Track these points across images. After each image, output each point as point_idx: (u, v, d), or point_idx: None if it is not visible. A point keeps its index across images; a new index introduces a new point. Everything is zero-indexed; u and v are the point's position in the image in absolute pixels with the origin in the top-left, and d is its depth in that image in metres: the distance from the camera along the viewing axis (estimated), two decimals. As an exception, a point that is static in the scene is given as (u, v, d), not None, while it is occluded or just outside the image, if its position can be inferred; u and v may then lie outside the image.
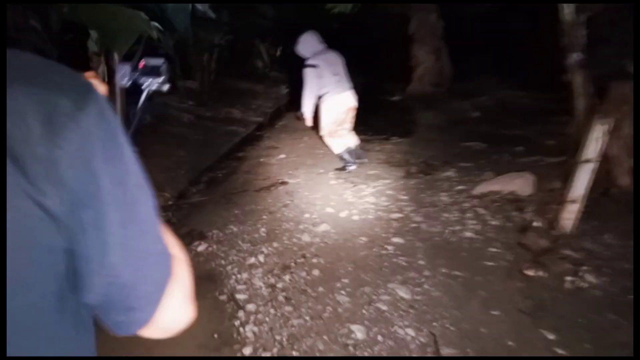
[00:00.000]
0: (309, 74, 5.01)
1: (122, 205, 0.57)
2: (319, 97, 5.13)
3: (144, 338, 0.68)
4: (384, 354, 2.57)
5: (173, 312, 0.65)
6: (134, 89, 1.10)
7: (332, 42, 5.40)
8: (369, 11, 9.04)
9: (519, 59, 10.54)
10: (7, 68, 0.50)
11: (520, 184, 4.25)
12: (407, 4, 9.74)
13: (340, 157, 5.52)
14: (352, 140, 5.54)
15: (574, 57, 4.57)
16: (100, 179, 0.54)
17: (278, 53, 12.29)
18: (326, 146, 6.45)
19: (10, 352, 0.50)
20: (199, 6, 6.43)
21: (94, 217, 0.54)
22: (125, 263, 0.58)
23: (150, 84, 1.02)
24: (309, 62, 5.04)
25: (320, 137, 5.68)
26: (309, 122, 5.31)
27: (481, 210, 4.10)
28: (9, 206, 0.48)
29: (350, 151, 5.50)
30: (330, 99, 5.11)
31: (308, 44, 5.14)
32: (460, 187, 4.59)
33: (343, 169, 5.51)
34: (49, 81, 0.52)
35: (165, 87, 1.04)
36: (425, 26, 9.85)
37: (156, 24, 4.18)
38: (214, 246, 3.76)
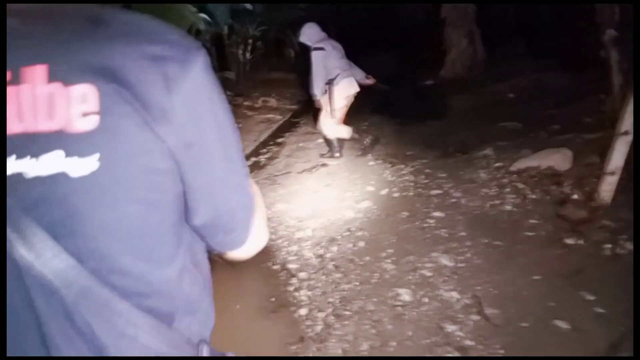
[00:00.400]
0: (318, 57, 5.09)
1: (223, 145, 0.67)
2: (330, 80, 5.19)
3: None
4: (431, 314, 2.76)
5: (257, 235, 0.77)
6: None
7: (362, 28, 5.48)
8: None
9: (553, 40, 10.44)
10: (122, 23, 0.60)
11: (557, 159, 4.34)
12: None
13: (332, 142, 5.55)
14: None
15: (610, 33, 4.61)
16: (205, 122, 0.64)
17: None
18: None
19: (131, 263, 0.61)
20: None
21: (203, 153, 0.64)
22: (227, 194, 0.69)
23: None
24: (317, 45, 5.14)
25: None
26: (319, 104, 5.41)
27: (520, 185, 4.22)
28: (142, 141, 0.57)
29: (357, 132, 5.62)
30: (342, 82, 5.21)
31: (310, 33, 5.25)
32: (498, 164, 4.72)
33: (364, 149, 5.63)
34: (161, 37, 0.61)
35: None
36: (457, 9, 9.84)
37: (204, 15, 4.42)
38: (266, 223, 3.99)
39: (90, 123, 0.55)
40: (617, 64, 4.66)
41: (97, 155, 0.55)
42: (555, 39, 10.34)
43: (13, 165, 0.54)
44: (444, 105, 7.58)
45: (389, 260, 3.33)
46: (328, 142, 5.65)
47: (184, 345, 0.66)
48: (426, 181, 4.66)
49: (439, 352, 2.45)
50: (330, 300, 2.93)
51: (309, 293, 3.01)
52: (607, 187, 3.69)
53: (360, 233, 3.75)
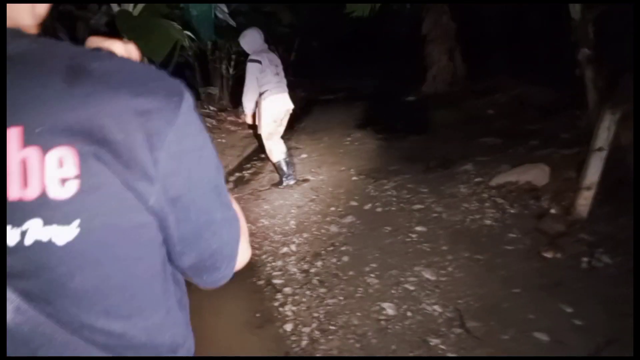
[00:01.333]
0: (252, 69, 4.90)
1: (210, 189, 0.65)
2: (260, 94, 5.00)
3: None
4: (414, 328, 2.80)
5: (242, 257, 0.76)
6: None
7: (347, 44, 5.60)
8: (384, 13, 9.30)
9: (533, 57, 10.70)
10: (102, 75, 0.57)
11: (536, 175, 4.45)
12: (420, 4, 9.97)
13: (279, 166, 5.33)
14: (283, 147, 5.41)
15: (584, 52, 4.78)
16: (192, 171, 0.62)
17: (292, 58, 12.58)
18: (346, 145, 6.71)
19: (132, 313, 0.62)
20: (219, 14, 6.71)
21: (190, 204, 0.62)
22: (211, 237, 0.67)
23: None
24: (252, 57, 4.96)
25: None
26: (249, 118, 5.23)
27: (499, 200, 4.32)
28: (121, 200, 0.56)
29: (288, 162, 5.37)
30: (270, 97, 5.00)
31: (252, 40, 5.06)
32: (478, 179, 4.81)
33: (280, 182, 5.32)
34: (143, 87, 0.58)
35: None
36: (438, 27, 10.06)
37: (188, 33, 4.46)
38: (249, 239, 4.01)
39: (69, 189, 0.53)
40: (592, 81, 4.83)
41: (77, 222, 0.54)
42: (534, 55, 10.62)
43: None
44: (426, 121, 7.72)
45: (372, 275, 3.38)
46: (277, 164, 5.37)
47: None
48: (408, 196, 4.73)
49: (422, 365, 2.50)
50: (315, 315, 2.96)
51: (294, 308, 3.04)
52: (584, 202, 3.80)
53: (344, 248, 3.79)
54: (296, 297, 3.15)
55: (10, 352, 0.55)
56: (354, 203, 4.70)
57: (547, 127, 5.95)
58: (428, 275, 3.33)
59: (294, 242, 3.91)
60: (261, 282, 3.37)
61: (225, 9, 6.85)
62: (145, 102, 0.57)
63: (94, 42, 0.71)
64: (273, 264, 3.61)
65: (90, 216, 0.54)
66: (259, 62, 4.91)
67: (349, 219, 4.32)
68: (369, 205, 4.62)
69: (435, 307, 2.99)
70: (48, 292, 0.55)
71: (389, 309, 2.98)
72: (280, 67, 5.18)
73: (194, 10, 5.76)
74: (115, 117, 0.54)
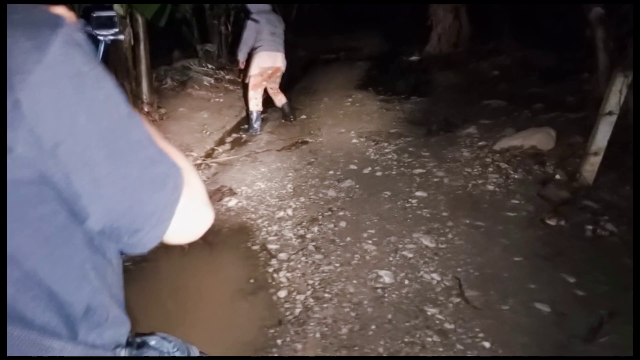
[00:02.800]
0: (250, 26, 5.46)
1: (106, 136, 0.57)
2: (254, 49, 5.54)
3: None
4: (411, 297, 2.73)
5: (191, 219, 0.67)
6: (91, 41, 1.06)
7: (350, 3, 5.45)
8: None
9: (539, 18, 10.36)
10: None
11: (541, 139, 4.31)
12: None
13: (250, 116, 5.81)
14: (282, 99, 6.02)
15: (596, 11, 4.55)
16: (75, 116, 0.54)
17: (293, 16, 12.20)
18: (346, 106, 6.54)
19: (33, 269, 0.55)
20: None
21: (74, 153, 0.55)
22: (120, 193, 0.59)
23: (106, 36, 0.98)
24: (253, 16, 5.48)
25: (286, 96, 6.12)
26: (241, 65, 5.82)
27: (503, 165, 4.19)
28: None
29: (258, 116, 5.79)
30: (261, 53, 5.51)
31: (256, 2, 5.57)
32: (481, 143, 4.67)
33: (247, 130, 5.86)
34: (11, 22, 0.51)
35: (121, 37, 1.01)
36: (443, -16, 9.70)
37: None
38: (244, 202, 3.92)
39: None
40: (603, 42, 4.62)
41: None
42: (540, 17, 10.27)
43: None
44: (429, 82, 7.51)
45: (370, 241, 3.29)
46: (249, 113, 5.87)
47: (97, 352, 0.62)
48: (409, 160, 4.61)
49: (418, 336, 2.43)
50: (310, 282, 2.88)
51: (289, 275, 2.96)
52: (590, 168, 3.68)
53: (342, 213, 3.69)
54: (291, 264, 3.07)
55: None
56: (353, 167, 4.58)
57: (553, 90, 5.76)
58: (427, 242, 3.24)
59: (290, 207, 3.81)
60: (256, 247, 3.28)
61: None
62: (10, 37, 0.50)
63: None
64: (269, 228, 3.52)
65: None
66: (257, 21, 5.44)
67: (348, 183, 4.21)
68: (369, 169, 4.50)
69: (434, 275, 2.91)
70: None
71: (386, 277, 2.90)
72: (280, 29, 5.67)
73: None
74: None
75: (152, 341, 0.73)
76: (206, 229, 0.71)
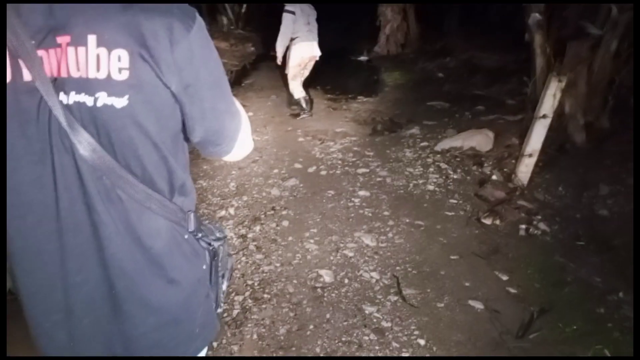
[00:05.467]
0: (286, 18, 5.59)
1: (212, 84, 0.93)
2: (291, 40, 5.69)
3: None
4: (350, 296, 2.74)
5: (244, 144, 1.07)
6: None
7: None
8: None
9: (486, 21, 10.67)
10: (143, 2, 0.83)
11: (480, 140, 4.43)
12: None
13: (299, 103, 6.04)
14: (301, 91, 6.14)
15: (534, 17, 4.71)
16: (199, 70, 0.89)
17: (243, 10, 12.04)
18: (294, 105, 6.51)
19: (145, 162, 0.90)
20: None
21: (196, 91, 0.89)
22: (214, 119, 0.96)
23: None
24: (288, 7, 5.61)
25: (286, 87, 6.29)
26: (279, 60, 5.88)
27: (443, 165, 4.28)
28: (155, 87, 0.84)
29: (307, 100, 6.07)
30: (300, 44, 5.67)
31: None
32: (423, 144, 4.76)
33: (297, 115, 6.03)
34: (168, 12, 0.85)
35: None
36: (392, -15, 9.82)
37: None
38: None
39: (123, 75, 0.82)
40: (540, 47, 4.78)
41: (127, 96, 0.83)
42: (488, 19, 10.58)
43: (74, 97, 0.83)
44: (376, 82, 7.59)
45: (312, 241, 3.28)
46: (294, 99, 6.13)
47: (179, 212, 0.98)
48: (354, 159, 4.63)
49: (356, 335, 2.44)
50: (250, 282, 2.84)
51: (232, 274, 2.90)
52: (525, 169, 3.81)
53: (285, 212, 3.66)
54: (232, 259, 3.01)
55: (88, 181, 0.87)
56: (298, 165, 4.56)
57: (493, 92, 5.95)
58: (368, 241, 3.26)
59: (232, 205, 3.75)
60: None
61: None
62: (169, 21, 0.84)
63: None
64: (213, 223, 3.44)
65: (136, 93, 0.83)
66: (293, 12, 5.60)
67: (292, 182, 4.19)
68: (314, 168, 4.49)
69: (373, 274, 2.93)
70: (113, 140, 0.85)
71: (326, 276, 2.90)
72: (313, 17, 5.82)
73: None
74: (151, 30, 0.82)
75: (205, 220, 1.14)
76: (249, 152, 1.14)
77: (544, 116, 3.73)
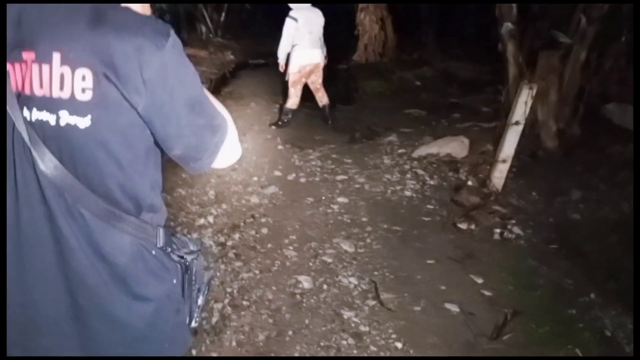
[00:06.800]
0: (288, 25, 5.54)
1: (188, 101, 0.91)
2: (293, 46, 5.63)
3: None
4: (329, 301, 2.77)
5: (229, 153, 1.03)
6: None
7: (278, 8, 5.53)
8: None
9: (462, 31, 10.89)
10: (114, 21, 0.83)
11: (455, 147, 4.53)
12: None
13: (284, 111, 6.00)
14: (323, 99, 6.05)
15: (506, 27, 4.84)
16: (174, 88, 0.88)
17: (222, 18, 12.07)
18: (273, 112, 6.55)
19: (121, 177, 0.90)
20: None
21: (171, 111, 0.89)
22: (192, 136, 0.94)
23: None
24: (292, 14, 5.55)
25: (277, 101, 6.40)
26: (281, 67, 5.82)
27: (420, 171, 4.36)
28: (120, 108, 0.84)
29: (292, 113, 6.00)
30: (299, 51, 5.62)
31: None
32: (401, 151, 4.84)
33: (276, 123, 5.99)
34: (139, 31, 0.84)
35: None
36: (370, -5, 9.94)
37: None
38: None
39: (87, 95, 0.82)
40: (512, 57, 4.92)
41: (90, 116, 0.83)
42: (463, 30, 10.80)
43: (37, 114, 0.84)
44: (354, 90, 7.68)
45: (291, 247, 3.31)
46: (285, 110, 6.05)
47: (146, 229, 0.97)
48: (332, 166, 4.68)
49: (334, 339, 2.47)
50: (229, 290, 2.85)
51: (210, 285, 2.91)
52: (499, 175, 3.91)
53: (264, 219, 3.69)
54: (210, 272, 3.02)
55: (49, 197, 0.88)
56: (277, 173, 4.58)
57: (469, 100, 6.08)
58: (346, 247, 3.30)
59: (211, 214, 3.75)
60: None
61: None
62: (139, 40, 0.82)
63: None
64: (188, 236, 3.44)
65: (99, 113, 0.83)
66: (296, 19, 5.50)
67: (271, 189, 4.21)
68: (293, 175, 4.53)
69: (352, 279, 2.97)
70: (75, 158, 0.86)
71: (305, 282, 2.92)
72: (317, 26, 5.72)
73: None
74: (120, 50, 0.81)
75: (177, 234, 1.16)
76: (236, 160, 1.08)
77: (517, 123, 3.83)
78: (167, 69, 0.86)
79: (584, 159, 4.42)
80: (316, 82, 5.98)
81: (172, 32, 0.87)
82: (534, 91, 3.87)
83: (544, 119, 4.74)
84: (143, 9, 0.97)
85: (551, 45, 4.97)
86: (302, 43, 5.59)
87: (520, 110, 3.84)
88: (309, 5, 5.66)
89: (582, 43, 4.72)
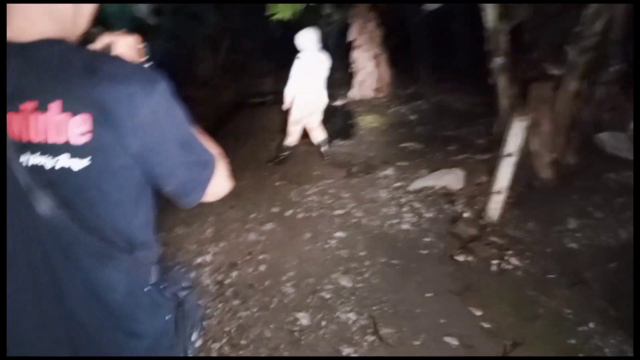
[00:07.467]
0: (296, 66, 5.66)
1: (179, 142, 0.97)
2: (299, 88, 5.74)
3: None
4: (328, 338, 2.75)
5: (219, 186, 1.07)
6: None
7: (274, 47, 5.65)
8: (309, 18, 9.28)
9: (455, 65, 11.09)
10: (106, 71, 0.88)
11: (451, 179, 4.57)
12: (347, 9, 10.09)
13: (282, 148, 6.13)
14: (320, 135, 6.12)
15: (497, 61, 4.96)
16: (165, 130, 0.94)
17: (221, 59, 12.32)
18: (269, 150, 6.62)
19: (109, 215, 0.95)
20: (138, 13, 6.44)
21: (162, 152, 0.95)
22: (182, 174, 0.99)
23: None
24: (300, 55, 5.66)
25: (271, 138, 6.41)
26: (286, 105, 5.89)
27: (416, 204, 4.38)
28: (114, 151, 0.89)
29: (290, 149, 6.12)
30: (305, 91, 5.73)
31: (306, 38, 5.68)
32: (397, 184, 4.87)
33: (273, 160, 6.13)
34: (130, 79, 0.89)
35: (149, 64, 1.17)
36: (364, 33, 10.18)
37: (96, 30, 4.20)
38: (161, 249, 3.81)
39: (83, 139, 0.87)
40: (504, 90, 5.02)
41: (88, 158, 0.88)
42: (456, 63, 11.01)
43: (36, 159, 0.89)
44: (351, 126, 7.75)
45: (289, 284, 3.30)
46: (284, 146, 6.17)
47: (139, 266, 1.02)
48: (330, 201, 4.71)
49: (333, 377, 2.45)
50: (227, 329, 2.84)
51: (204, 323, 2.90)
52: (494, 206, 3.93)
53: (262, 256, 3.69)
54: (207, 311, 3.01)
55: (45, 239, 0.92)
56: (275, 209, 4.61)
57: (463, 133, 6.15)
58: (345, 282, 3.30)
59: (209, 252, 3.77)
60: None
61: (145, 8, 6.57)
62: (130, 87, 0.88)
63: (106, 37, 1.02)
64: (186, 276, 3.44)
65: (96, 156, 0.88)
66: (304, 61, 5.62)
67: (269, 226, 4.23)
68: (291, 211, 4.55)
69: (350, 314, 2.96)
70: (70, 200, 0.90)
71: (304, 319, 2.91)
72: (324, 66, 5.79)
73: (109, 7, 5.47)
74: (113, 97, 0.87)
75: (171, 271, 1.20)
76: (227, 192, 1.12)
77: (510, 155, 3.88)
78: (157, 113, 0.91)
79: (579, 188, 4.45)
80: (314, 122, 6.08)
81: (160, 77, 0.93)
82: (526, 123, 3.93)
83: (538, 149, 4.79)
84: (133, 53, 1.03)
85: (542, 76, 5.08)
86: (308, 83, 5.72)
87: (513, 142, 3.89)
88: (318, 46, 5.79)
89: (572, 74, 4.82)
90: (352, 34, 10.32)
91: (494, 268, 3.42)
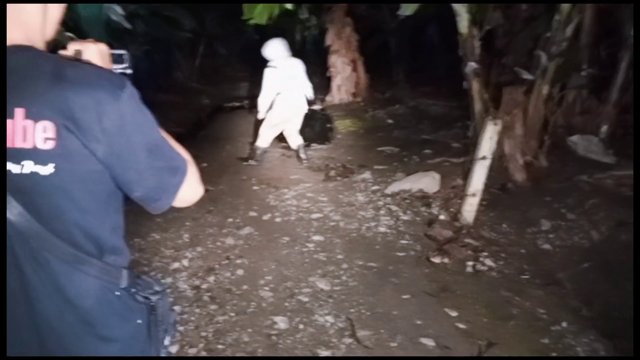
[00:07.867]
0: (267, 75, 5.66)
1: (147, 146, 0.96)
2: (277, 94, 5.76)
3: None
4: (305, 341, 2.75)
5: (189, 192, 1.07)
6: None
7: (253, 52, 5.66)
8: (287, 23, 9.32)
9: (431, 70, 11.25)
10: (73, 77, 0.89)
11: (427, 183, 4.62)
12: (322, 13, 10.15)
13: (255, 149, 6.10)
14: (297, 140, 6.17)
15: (471, 66, 5.04)
16: (132, 136, 0.93)
17: (197, 64, 12.27)
18: (247, 154, 6.60)
19: (82, 220, 0.95)
20: (113, 16, 6.36)
21: (130, 157, 0.94)
22: (152, 177, 0.99)
23: (117, 69, 1.16)
24: (271, 64, 5.66)
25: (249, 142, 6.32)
26: (261, 115, 5.91)
27: (393, 207, 4.42)
28: (80, 156, 0.89)
29: (264, 152, 6.15)
30: (282, 97, 5.74)
31: (273, 49, 5.71)
32: (374, 188, 4.91)
33: (246, 159, 6.15)
34: (97, 85, 0.91)
35: (129, 71, 1.17)
36: (341, 38, 10.24)
37: (69, 34, 4.14)
38: (137, 254, 3.77)
39: (49, 145, 0.87)
40: (478, 94, 5.10)
41: (53, 164, 0.88)
42: (432, 68, 11.16)
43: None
44: (329, 130, 7.78)
45: (267, 288, 3.30)
46: (255, 147, 6.13)
47: (110, 271, 1.01)
48: (308, 205, 4.72)
49: (311, 380, 2.45)
50: (204, 334, 2.82)
51: (181, 328, 2.87)
52: (469, 208, 3.99)
53: (239, 261, 3.68)
54: (184, 317, 2.98)
55: (15, 244, 0.92)
56: (253, 214, 4.60)
57: (439, 137, 6.23)
58: (322, 285, 3.31)
59: (186, 257, 3.73)
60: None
61: (121, 11, 6.50)
62: (98, 93, 0.89)
63: (76, 45, 1.01)
64: (162, 281, 3.40)
65: (61, 162, 0.88)
66: (275, 67, 5.65)
67: (247, 230, 4.21)
68: (268, 215, 4.54)
69: (328, 317, 2.96)
70: (39, 205, 0.91)
71: (281, 323, 2.91)
72: (298, 71, 5.85)
73: (83, 11, 5.39)
74: (78, 103, 0.88)
75: (142, 275, 1.17)
76: (198, 198, 1.12)
77: (484, 158, 3.95)
78: (125, 118, 0.92)
79: (552, 190, 4.55)
80: (293, 129, 6.10)
81: (128, 83, 0.94)
82: (499, 127, 4.01)
83: (511, 152, 4.89)
84: (103, 61, 1.04)
85: (515, 81, 5.19)
86: (284, 90, 5.70)
87: (486, 145, 3.96)
88: (287, 55, 5.78)
89: (544, 78, 4.94)
90: (329, 39, 10.39)
91: (469, 269, 3.47)
